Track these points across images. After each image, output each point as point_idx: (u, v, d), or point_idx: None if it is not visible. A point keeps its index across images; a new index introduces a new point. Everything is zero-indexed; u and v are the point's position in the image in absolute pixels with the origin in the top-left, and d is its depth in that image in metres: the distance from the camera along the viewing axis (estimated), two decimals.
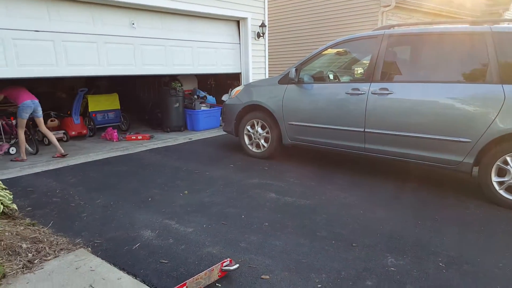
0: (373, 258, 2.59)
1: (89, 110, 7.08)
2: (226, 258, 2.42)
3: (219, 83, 9.31)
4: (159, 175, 4.48)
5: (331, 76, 4.99)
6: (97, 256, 2.59)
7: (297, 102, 4.77)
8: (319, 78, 4.90)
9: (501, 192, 3.53)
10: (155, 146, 6.17)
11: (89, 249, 2.71)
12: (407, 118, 3.93)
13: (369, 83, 4.19)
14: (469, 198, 3.77)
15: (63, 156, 5.34)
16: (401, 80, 4.13)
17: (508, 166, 3.45)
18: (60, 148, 5.38)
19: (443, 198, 3.77)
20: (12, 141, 5.81)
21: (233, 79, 8.68)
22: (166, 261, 2.53)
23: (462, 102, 3.65)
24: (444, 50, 3.92)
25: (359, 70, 5.08)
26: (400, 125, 3.98)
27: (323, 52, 4.76)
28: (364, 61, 4.76)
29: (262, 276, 2.35)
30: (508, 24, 3.98)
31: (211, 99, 8.32)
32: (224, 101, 6.96)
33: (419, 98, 3.89)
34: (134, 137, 6.70)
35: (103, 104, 7.29)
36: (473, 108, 3.59)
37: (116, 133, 6.66)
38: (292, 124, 4.84)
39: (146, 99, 8.81)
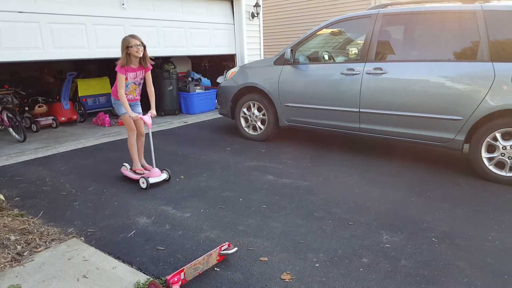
0: (368, 236, 2.69)
1: (79, 95, 7.00)
2: (225, 242, 2.46)
3: (213, 65, 9.23)
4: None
5: (326, 57, 4.99)
6: (91, 246, 2.55)
7: (293, 83, 4.78)
8: (315, 58, 4.91)
9: (491, 167, 3.64)
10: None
11: (82, 238, 2.68)
12: (401, 98, 3.98)
13: (364, 63, 4.21)
14: (460, 174, 3.87)
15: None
16: (394, 60, 4.15)
17: (497, 142, 3.55)
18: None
19: (436, 175, 3.87)
20: None
21: (228, 60, 8.60)
22: (162, 248, 2.55)
23: (454, 81, 3.69)
24: (436, 28, 3.93)
25: (353, 50, 5.07)
26: (393, 104, 4.03)
27: (318, 33, 4.75)
28: (359, 41, 4.76)
29: (260, 258, 2.41)
30: (498, 2, 3.98)
31: (205, 81, 8.26)
32: (219, 83, 6.94)
33: (412, 77, 3.93)
34: None
35: (94, 88, 7.20)
36: (464, 86, 3.64)
37: (108, 118, 6.63)
38: (288, 106, 4.87)
39: None
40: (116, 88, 3.56)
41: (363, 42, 4.35)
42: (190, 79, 7.94)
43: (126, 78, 3.53)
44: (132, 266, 2.35)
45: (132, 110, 3.65)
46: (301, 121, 4.86)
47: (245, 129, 5.41)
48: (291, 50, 4.72)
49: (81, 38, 5.69)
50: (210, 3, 7.52)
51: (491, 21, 3.53)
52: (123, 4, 6.12)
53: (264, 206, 3.20)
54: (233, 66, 7.97)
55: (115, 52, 6.13)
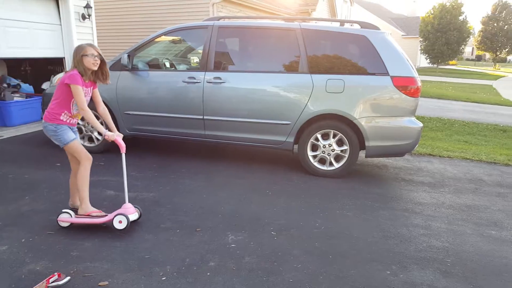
0: (215, 239, 2.73)
1: None
2: (54, 273, 2.13)
3: (37, 69, 7.99)
4: None
5: (167, 64, 4.92)
6: None
7: (133, 90, 4.53)
8: (155, 65, 4.77)
9: (315, 164, 4.23)
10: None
11: None
12: (240, 105, 4.24)
13: (204, 72, 4.32)
14: (293, 172, 4.37)
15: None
16: (232, 70, 4.39)
17: (319, 142, 4.16)
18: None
19: (273, 174, 4.26)
20: None
21: (56, 64, 7.58)
22: None
23: (283, 90, 4.15)
24: (267, 42, 4.36)
25: (195, 59, 5.15)
26: (234, 111, 4.26)
27: (156, 40, 4.64)
28: (199, 50, 4.86)
29: (100, 284, 2.17)
30: (315, 22, 4.70)
31: (26, 87, 7.07)
32: (44, 89, 6.02)
33: (248, 86, 4.24)
34: None
35: None
36: (291, 95, 4.13)
37: None
38: (129, 114, 4.58)
39: None
40: (59, 108, 2.78)
41: (202, 51, 4.46)
42: (5, 85, 6.63)
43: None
44: None
45: (74, 136, 2.91)
46: (144, 130, 4.64)
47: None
48: (129, 56, 4.46)
49: None
50: (28, 0, 6.48)
51: (307, 38, 4.12)
52: None
53: (104, 225, 2.89)
54: (62, 71, 7.06)
55: None
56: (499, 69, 36.48)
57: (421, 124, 4.12)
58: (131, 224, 2.90)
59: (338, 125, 4.07)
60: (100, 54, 2.80)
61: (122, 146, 2.91)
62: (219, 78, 4.26)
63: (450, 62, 34.71)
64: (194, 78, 4.33)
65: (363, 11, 34.10)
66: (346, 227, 3.04)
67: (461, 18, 28.32)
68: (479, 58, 54.03)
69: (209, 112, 4.33)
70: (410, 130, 4.04)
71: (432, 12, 28.99)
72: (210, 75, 4.29)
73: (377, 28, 4.15)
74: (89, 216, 2.86)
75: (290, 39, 4.18)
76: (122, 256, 2.47)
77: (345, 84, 3.99)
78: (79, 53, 2.74)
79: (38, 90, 7.18)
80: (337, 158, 4.19)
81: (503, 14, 35.75)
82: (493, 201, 3.79)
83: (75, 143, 2.89)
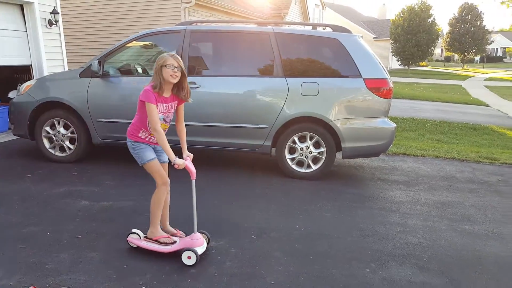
0: None
1: None
2: (29, 286, 2.08)
3: (3, 78, 7.68)
4: None
5: (140, 70, 4.84)
6: None
7: (105, 97, 4.42)
8: (127, 71, 4.68)
9: (293, 166, 4.25)
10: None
11: None
12: (216, 110, 4.22)
13: None
14: (272, 175, 4.37)
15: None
16: (207, 75, 4.37)
17: (296, 145, 4.19)
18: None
19: (252, 178, 4.25)
20: None
21: (23, 72, 7.30)
22: None
23: (259, 94, 4.17)
24: (241, 47, 4.36)
25: None
26: (210, 116, 4.23)
27: (128, 45, 4.57)
28: None
29: None
30: (288, 26, 4.75)
31: None
32: (11, 98, 5.79)
33: (224, 91, 4.23)
34: None
35: None
36: (267, 99, 4.15)
37: None
38: (102, 121, 4.47)
39: None
40: (138, 125, 2.61)
41: None
42: None
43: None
44: None
45: (160, 159, 2.72)
46: (118, 137, 4.51)
47: (50, 150, 4.65)
48: (99, 62, 4.36)
49: None
50: None
51: (281, 42, 4.15)
52: None
53: (79, 236, 2.81)
54: (30, 79, 6.82)
55: None
56: (468, 69, 37.95)
57: (394, 125, 4.22)
58: (100, 233, 2.82)
59: (314, 128, 4.11)
60: (180, 66, 2.53)
61: (193, 172, 2.66)
62: (194, 83, 4.22)
63: (421, 64, 35.87)
64: None
65: (335, 15, 34.72)
66: (326, 227, 3.07)
67: (429, 20, 29.36)
68: (448, 59, 56.17)
69: (185, 117, 4.26)
70: (384, 130, 4.14)
71: (401, 15, 29.93)
72: None
73: (349, 31, 4.24)
74: (157, 242, 2.64)
75: (264, 43, 4.20)
76: (99, 267, 2.40)
77: (319, 87, 4.04)
78: (159, 63, 2.52)
79: (5, 100, 6.90)
80: (315, 160, 4.23)
81: (469, 16, 37.17)
82: (465, 197, 3.91)
83: (153, 164, 2.67)
